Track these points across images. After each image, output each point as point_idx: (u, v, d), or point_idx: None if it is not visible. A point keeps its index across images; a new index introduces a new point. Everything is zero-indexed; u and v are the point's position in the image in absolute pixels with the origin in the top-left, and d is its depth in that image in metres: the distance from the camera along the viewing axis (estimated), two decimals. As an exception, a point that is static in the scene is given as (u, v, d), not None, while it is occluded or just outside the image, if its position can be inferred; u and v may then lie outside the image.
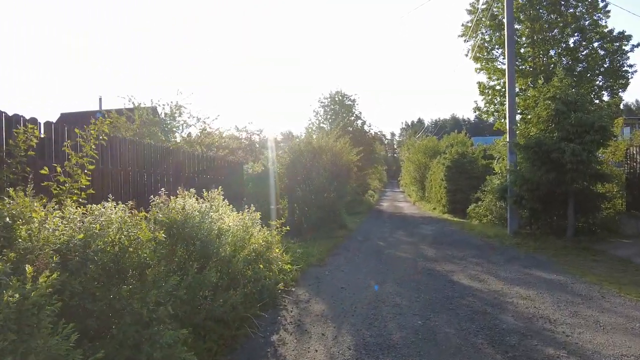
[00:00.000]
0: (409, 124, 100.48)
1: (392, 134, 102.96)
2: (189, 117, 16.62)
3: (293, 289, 7.28)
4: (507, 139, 13.46)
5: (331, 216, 15.36)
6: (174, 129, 16.03)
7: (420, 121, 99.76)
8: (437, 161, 27.36)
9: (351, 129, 31.73)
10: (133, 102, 15.39)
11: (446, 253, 11.04)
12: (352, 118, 32.30)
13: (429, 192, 30.58)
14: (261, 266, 6.46)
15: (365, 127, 32.10)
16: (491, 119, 26.81)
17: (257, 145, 22.47)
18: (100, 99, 29.09)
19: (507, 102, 13.74)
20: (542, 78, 22.04)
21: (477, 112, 26.71)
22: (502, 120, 22.77)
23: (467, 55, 26.62)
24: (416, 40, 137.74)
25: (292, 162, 15.22)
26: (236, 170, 12.74)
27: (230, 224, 6.12)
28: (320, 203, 14.95)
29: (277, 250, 7.85)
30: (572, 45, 22.77)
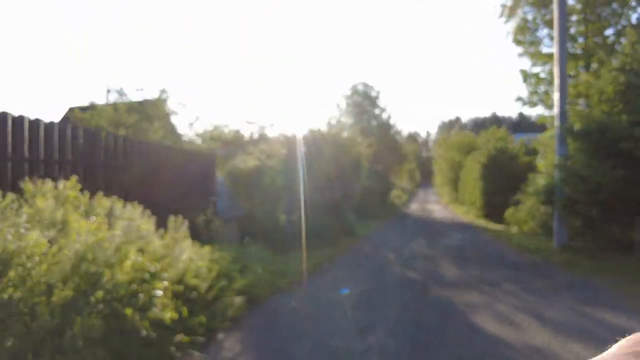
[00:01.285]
0: (446, 122, 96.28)
1: (428, 133, 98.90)
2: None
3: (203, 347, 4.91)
4: (556, 124, 10.62)
5: (335, 221, 12.92)
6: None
7: (458, 119, 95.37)
8: (471, 158, 24.36)
9: (375, 123, 29.22)
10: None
11: (472, 274, 8.40)
12: (377, 111, 29.68)
13: (462, 193, 27.55)
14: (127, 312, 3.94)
15: (391, 122, 29.35)
16: (533, 114, 23.70)
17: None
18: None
19: (555, 71, 10.90)
20: (596, 61, 18.87)
21: (520, 102, 23.64)
22: (546, 115, 19.78)
23: (507, 38, 23.57)
24: (449, 31, 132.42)
25: (289, 155, 12.87)
26: (203, 165, 10.33)
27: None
28: (321, 205, 12.54)
29: (208, 271, 5.50)
30: (635, 22, 19.39)
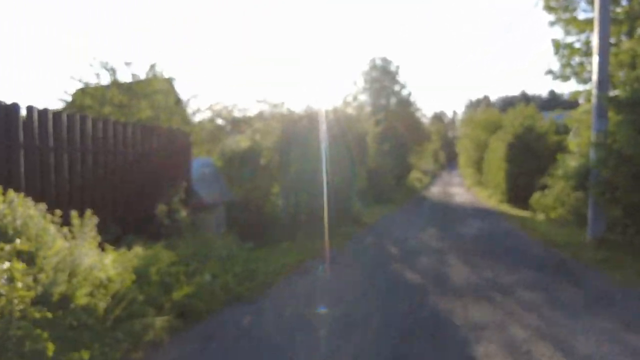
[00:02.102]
0: (474, 101, 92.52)
1: (454, 113, 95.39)
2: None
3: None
4: (594, 93, 8.77)
5: (337, 206, 11.45)
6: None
7: (485, 98, 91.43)
8: (496, 137, 22.34)
9: (395, 100, 27.36)
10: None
11: (483, 276, 6.83)
12: (396, 88, 27.75)
13: (486, 175, 25.58)
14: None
15: (412, 99, 27.40)
16: (565, 92, 21.39)
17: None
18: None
19: (595, 29, 9.00)
20: (640, 26, 16.52)
21: (551, 75, 21.37)
22: (580, 89, 17.64)
23: (537, 5, 21.24)
24: (478, 9, 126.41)
25: (284, 132, 11.39)
26: (172, 145, 8.86)
27: None
28: (319, 189, 11.07)
29: (120, 282, 4.13)
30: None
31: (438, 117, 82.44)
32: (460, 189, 30.69)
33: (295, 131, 11.39)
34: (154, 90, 12.86)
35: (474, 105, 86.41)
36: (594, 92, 8.74)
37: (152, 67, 13.28)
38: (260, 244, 9.82)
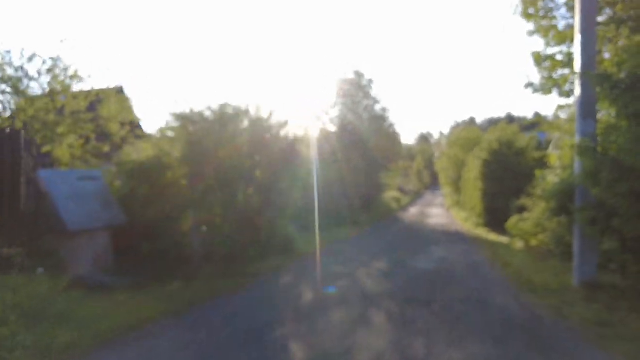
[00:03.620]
0: (460, 123, 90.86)
1: (441, 134, 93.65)
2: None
3: None
4: (577, 83, 6.28)
5: (257, 234, 8.84)
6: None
7: (472, 120, 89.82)
8: (473, 155, 19.88)
9: (367, 116, 24.96)
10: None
11: (408, 355, 4.20)
12: (370, 102, 25.40)
13: (464, 196, 23.08)
14: None
15: (386, 115, 25.01)
16: (550, 114, 19.05)
17: None
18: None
19: (577, 6, 6.57)
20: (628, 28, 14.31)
21: (531, 88, 19.03)
22: (563, 105, 15.34)
23: (515, 12, 19.07)
24: (464, 31, 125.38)
25: (194, 141, 8.81)
26: None
27: None
28: (236, 212, 8.47)
29: None
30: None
31: (424, 138, 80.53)
32: (440, 210, 28.11)
33: (208, 139, 8.81)
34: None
35: (459, 126, 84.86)
36: (578, 80, 6.26)
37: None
38: (143, 283, 7.23)
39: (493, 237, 13.78)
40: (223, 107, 8.78)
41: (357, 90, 25.75)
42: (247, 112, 8.82)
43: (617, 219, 5.31)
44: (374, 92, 25.35)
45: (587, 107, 6.22)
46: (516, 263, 8.99)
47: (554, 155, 9.69)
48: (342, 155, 21.91)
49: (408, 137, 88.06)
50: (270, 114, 9.25)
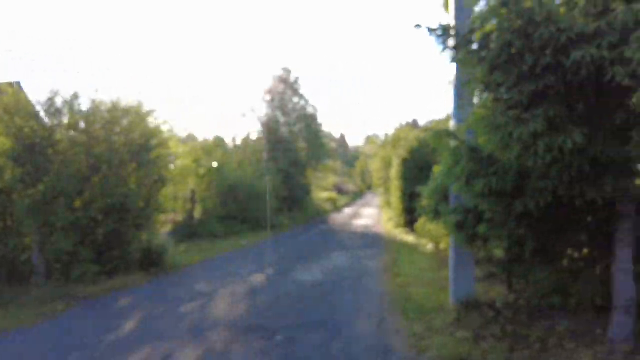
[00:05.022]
0: (404, 125, 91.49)
1: (386, 135, 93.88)
2: None
3: None
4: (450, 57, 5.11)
5: (111, 247, 7.19)
6: None
7: (414, 121, 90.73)
8: (396, 154, 18.94)
9: (295, 115, 23.57)
10: None
11: None
12: (298, 100, 24.04)
13: (390, 195, 22.18)
14: None
15: (310, 111, 23.71)
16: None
17: None
18: None
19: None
20: None
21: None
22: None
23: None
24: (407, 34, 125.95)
25: (17, 138, 7.01)
26: None
27: None
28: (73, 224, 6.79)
29: None
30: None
31: (370, 140, 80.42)
32: (374, 210, 27.21)
33: (37, 134, 7.04)
34: None
35: (402, 128, 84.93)
36: (451, 53, 5.06)
37: None
38: None
39: (410, 238, 12.72)
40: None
41: (286, 88, 24.35)
42: (73, 102, 7.04)
43: (483, 225, 4.13)
44: (302, 90, 24.00)
45: (458, 89, 5.07)
46: (410, 272, 7.84)
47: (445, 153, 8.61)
48: (266, 155, 20.48)
49: (357, 139, 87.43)
50: (117, 104, 7.54)
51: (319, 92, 68.61)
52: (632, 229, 3.84)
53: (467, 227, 4.40)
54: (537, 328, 4.31)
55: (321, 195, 27.32)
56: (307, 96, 24.11)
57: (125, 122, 7.32)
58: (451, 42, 3.64)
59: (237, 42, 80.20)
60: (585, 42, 3.05)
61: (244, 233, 14.55)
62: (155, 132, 7.85)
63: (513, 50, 3.30)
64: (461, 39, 3.55)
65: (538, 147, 3.07)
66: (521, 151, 3.18)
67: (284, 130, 20.96)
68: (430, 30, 3.62)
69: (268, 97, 23.64)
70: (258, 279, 7.82)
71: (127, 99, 7.74)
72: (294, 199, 19.69)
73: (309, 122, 23.76)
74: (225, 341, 4.54)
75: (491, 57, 3.30)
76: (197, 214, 14.79)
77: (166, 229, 12.99)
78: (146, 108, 8.20)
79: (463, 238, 4.48)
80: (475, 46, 3.49)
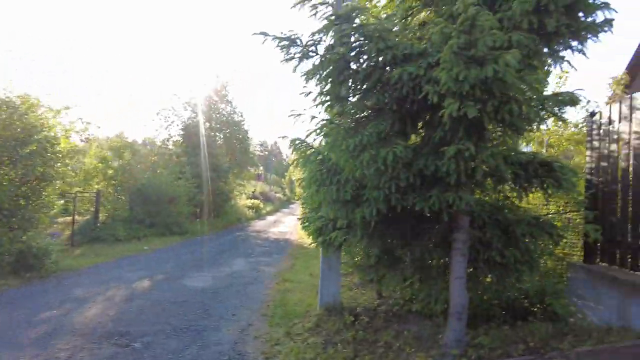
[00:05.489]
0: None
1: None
2: None
3: None
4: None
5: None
6: None
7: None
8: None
9: (221, 120, 23.18)
10: None
11: None
12: (225, 106, 23.67)
13: (311, 204, 22.34)
14: None
15: (237, 117, 23.45)
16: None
17: None
18: None
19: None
20: None
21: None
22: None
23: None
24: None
25: None
26: None
27: None
28: None
29: None
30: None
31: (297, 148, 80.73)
32: (296, 219, 27.27)
33: None
34: None
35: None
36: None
37: None
38: None
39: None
40: None
41: (214, 94, 23.91)
42: None
43: (336, 231, 4.25)
44: (232, 96, 23.71)
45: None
46: (300, 278, 7.90)
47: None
48: (186, 159, 19.84)
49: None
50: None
51: (253, 100, 68.16)
52: (466, 240, 4.13)
53: (325, 234, 4.50)
54: (388, 333, 4.48)
55: (245, 202, 26.96)
56: (235, 103, 23.90)
57: (4, 115, 6.74)
58: (296, 53, 3.71)
59: (170, 43, 77.74)
60: (411, 61, 3.25)
61: (150, 238, 13.94)
62: (40, 126, 7.30)
63: (352, 65, 3.45)
64: (303, 50, 3.64)
65: (363, 158, 3.21)
66: (350, 160, 3.31)
67: (207, 135, 20.44)
68: (277, 39, 3.67)
69: (193, 101, 23.03)
70: (145, 284, 7.49)
71: (8, 92, 7.15)
72: (213, 204, 19.23)
73: (235, 129, 23.46)
74: (73, 349, 4.27)
75: (328, 73, 3.42)
76: (103, 216, 14.00)
77: (68, 231, 12.14)
78: (33, 100, 7.66)
79: (320, 243, 4.58)
80: (317, 60, 3.59)
